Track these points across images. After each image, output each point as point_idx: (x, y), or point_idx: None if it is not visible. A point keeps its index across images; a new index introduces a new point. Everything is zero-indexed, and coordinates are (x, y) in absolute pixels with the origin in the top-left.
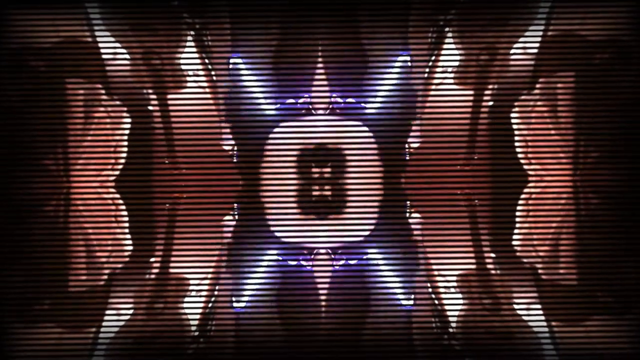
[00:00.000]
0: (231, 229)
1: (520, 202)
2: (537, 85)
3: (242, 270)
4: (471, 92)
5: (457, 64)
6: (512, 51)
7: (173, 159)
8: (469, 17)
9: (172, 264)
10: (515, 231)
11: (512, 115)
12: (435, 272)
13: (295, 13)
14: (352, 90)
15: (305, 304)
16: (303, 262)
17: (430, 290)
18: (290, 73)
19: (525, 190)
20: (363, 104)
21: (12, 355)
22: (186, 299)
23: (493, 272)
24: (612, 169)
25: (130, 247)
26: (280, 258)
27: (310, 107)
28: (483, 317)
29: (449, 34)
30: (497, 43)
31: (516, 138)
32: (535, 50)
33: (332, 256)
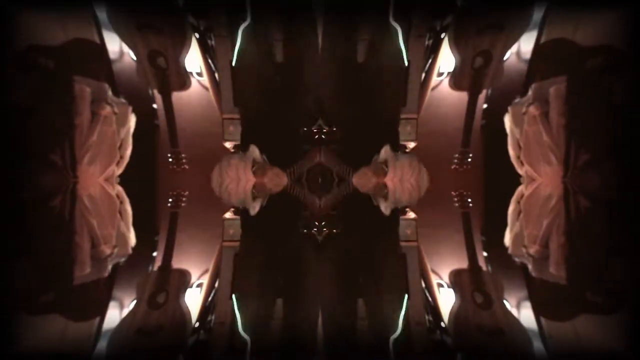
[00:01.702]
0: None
1: (512, 202)
2: (530, 90)
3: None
4: (466, 96)
5: (452, 68)
6: (506, 56)
7: (176, 156)
8: (465, 23)
9: (174, 258)
10: (507, 230)
11: (506, 118)
12: (429, 269)
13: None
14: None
15: (303, 300)
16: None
17: (423, 286)
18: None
19: (517, 191)
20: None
21: (17, 345)
22: (187, 292)
23: (485, 269)
24: (602, 171)
25: (134, 241)
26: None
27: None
28: (475, 314)
29: (445, 39)
30: (491, 48)
31: (509, 140)
32: (529, 56)
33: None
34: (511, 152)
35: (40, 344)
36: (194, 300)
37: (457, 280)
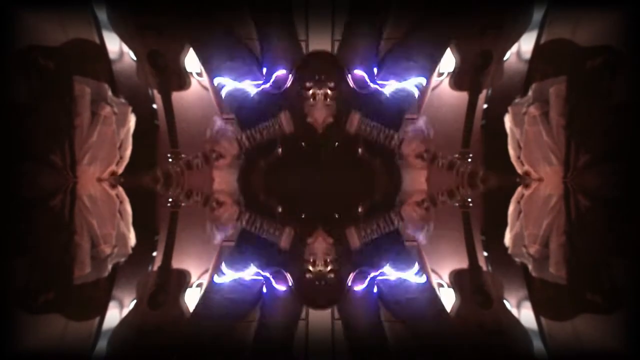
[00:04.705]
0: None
1: (512, 202)
2: (530, 90)
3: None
4: (466, 96)
5: (452, 68)
6: (506, 56)
7: (176, 156)
8: (465, 23)
9: (174, 258)
10: (507, 230)
11: (506, 118)
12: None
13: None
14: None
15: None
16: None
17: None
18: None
19: (517, 191)
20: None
21: (17, 345)
22: (187, 292)
23: (485, 269)
24: (602, 171)
25: (134, 241)
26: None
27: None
28: (475, 313)
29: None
30: (491, 48)
31: (509, 140)
32: (529, 56)
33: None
34: (511, 152)
35: (40, 344)
36: (194, 300)
37: (457, 280)
